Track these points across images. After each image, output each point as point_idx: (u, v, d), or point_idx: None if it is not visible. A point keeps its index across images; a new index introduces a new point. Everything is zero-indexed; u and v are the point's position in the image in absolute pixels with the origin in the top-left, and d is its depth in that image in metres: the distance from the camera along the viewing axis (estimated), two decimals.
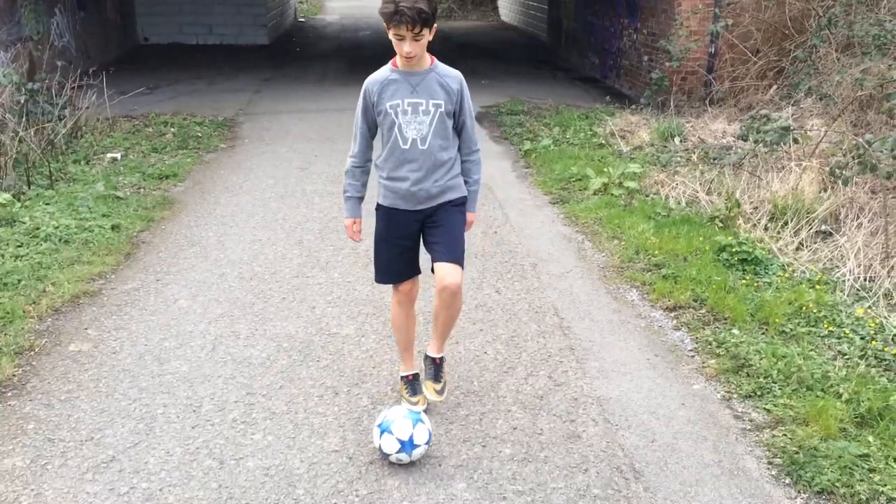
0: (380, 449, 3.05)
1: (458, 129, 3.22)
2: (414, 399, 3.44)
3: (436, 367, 3.45)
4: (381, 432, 3.03)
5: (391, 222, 3.25)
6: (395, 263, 3.31)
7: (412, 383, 3.50)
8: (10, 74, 7.40)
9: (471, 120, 3.23)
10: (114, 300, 4.54)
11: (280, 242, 5.52)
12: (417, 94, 3.06)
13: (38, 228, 5.31)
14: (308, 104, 10.61)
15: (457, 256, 3.19)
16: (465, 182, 3.29)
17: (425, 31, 2.92)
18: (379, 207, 3.28)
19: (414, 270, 3.34)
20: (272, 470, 3.04)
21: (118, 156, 7.54)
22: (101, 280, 4.81)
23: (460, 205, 3.27)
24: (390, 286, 3.41)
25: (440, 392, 3.43)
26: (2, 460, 3.06)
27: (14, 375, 3.68)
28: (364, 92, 3.13)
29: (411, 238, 3.26)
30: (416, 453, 3.04)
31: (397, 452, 3.01)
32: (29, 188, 6.16)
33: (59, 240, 5.21)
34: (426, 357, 3.47)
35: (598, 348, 4.09)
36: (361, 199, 3.33)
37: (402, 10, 2.82)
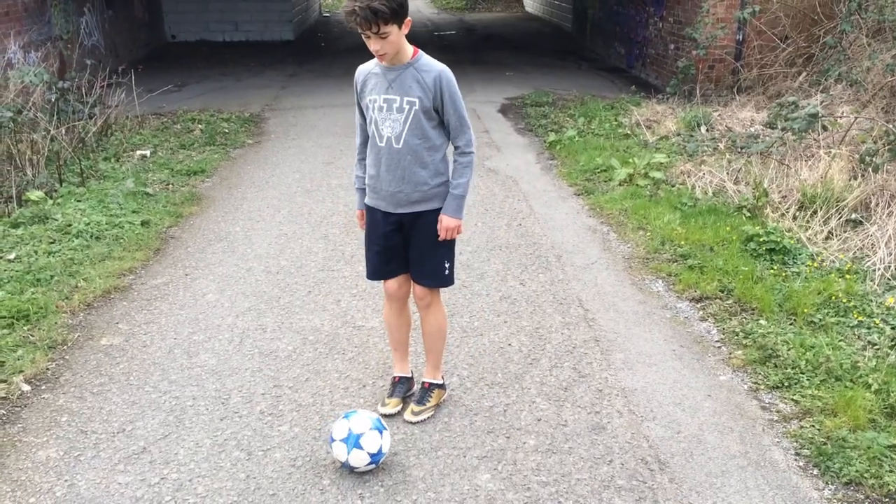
0: (346, 463, 2.93)
1: (446, 126, 3.07)
2: (387, 401, 3.39)
3: (421, 391, 3.40)
4: (350, 447, 2.88)
5: (370, 220, 3.24)
6: (373, 261, 3.29)
7: (395, 385, 3.46)
8: (41, 73, 7.53)
9: (457, 117, 3.01)
10: (144, 295, 4.62)
11: (306, 236, 5.56)
12: (392, 91, 2.97)
13: (69, 225, 5.40)
14: (333, 99, 10.65)
15: (426, 276, 3.16)
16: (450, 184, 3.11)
17: (391, 28, 2.79)
18: (365, 205, 3.27)
19: (397, 269, 3.24)
20: (299, 461, 3.08)
21: (147, 153, 7.64)
22: (132, 275, 4.89)
23: None
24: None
25: (415, 414, 3.32)
26: (36, 452, 3.13)
27: (48, 369, 3.76)
28: (354, 81, 3.12)
29: (388, 241, 3.17)
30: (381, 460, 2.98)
31: (366, 465, 2.93)
32: (61, 185, 6.27)
33: (91, 236, 5.30)
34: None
35: (623, 339, 4.07)
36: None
37: (355, 9, 2.73)
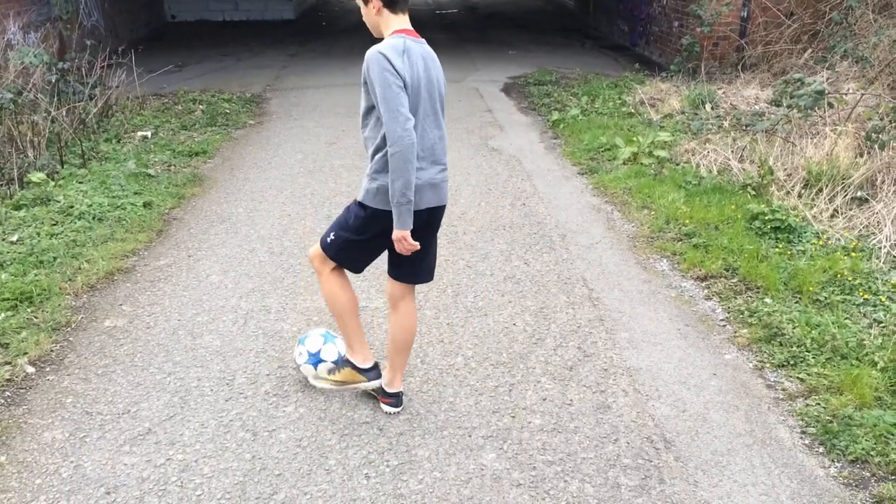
0: (294, 360, 3.50)
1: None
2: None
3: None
4: (299, 343, 3.49)
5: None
6: None
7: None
8: (40, 55, 7.48)
9: (378, 102, 2.75)
10: (147, 276, 4.61)
11: (309, 217, 5.54)
12: None
13: (72, 207, 5.39)
14: (335, 79, 10.58)
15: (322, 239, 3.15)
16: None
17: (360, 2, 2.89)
18: None
19: None
20: (304, 441, 3.08)
21: (149, 134, 7.61)
22: (135, 257, 4.88)
23: (357, 203, 2.99)
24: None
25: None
26: (42, 433, 3.14)
27: (52, 351, 3.76)
28: None
29: None
30: (322, 368, 3.40)
31: (305, 363, 3.42)
32: (62, 167, 6.25)
33: (93, 218, 5.29)
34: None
35: (628, 319, 4.06)
36: None
37: None
